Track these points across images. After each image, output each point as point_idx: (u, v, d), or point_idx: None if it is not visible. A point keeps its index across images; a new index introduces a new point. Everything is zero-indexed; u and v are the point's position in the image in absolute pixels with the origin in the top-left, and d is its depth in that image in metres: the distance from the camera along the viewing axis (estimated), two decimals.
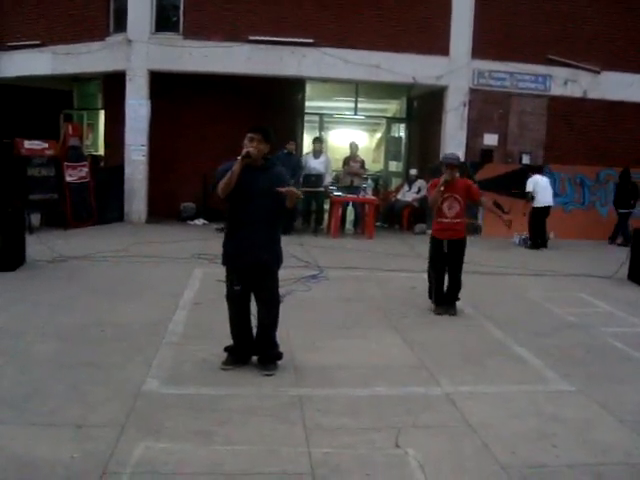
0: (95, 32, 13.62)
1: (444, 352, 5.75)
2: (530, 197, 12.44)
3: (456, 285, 7.24)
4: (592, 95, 14.21)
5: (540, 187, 12.39)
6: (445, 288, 7.23)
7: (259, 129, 4.90)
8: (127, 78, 13.14)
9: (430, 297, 7.34)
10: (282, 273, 8.68)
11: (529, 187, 12.44)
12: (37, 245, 9.43)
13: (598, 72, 14.12)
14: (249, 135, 4.85)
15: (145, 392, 4.52)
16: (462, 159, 13.88)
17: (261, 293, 5.10)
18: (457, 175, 7.13)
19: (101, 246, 10.06)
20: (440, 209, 7.13)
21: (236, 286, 4.96)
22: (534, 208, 12.42)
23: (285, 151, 12.47)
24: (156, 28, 13.32)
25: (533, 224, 12.44)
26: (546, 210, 12.42)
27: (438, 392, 4.79)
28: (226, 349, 5.18)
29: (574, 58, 14.02)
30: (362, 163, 13.86)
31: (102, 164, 14.81)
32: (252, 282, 5.02)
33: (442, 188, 6.96)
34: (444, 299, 7.20)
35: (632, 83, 14.09)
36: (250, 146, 4.79)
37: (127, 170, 13.34)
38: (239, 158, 4.72)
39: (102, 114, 16.17)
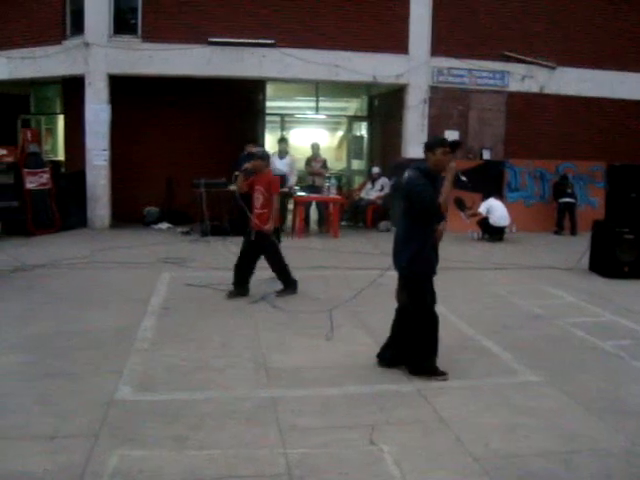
0: (52, 35, 13.38)
1: None
2: (472, 214, 12.62)
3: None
4: (549, 90, 14.52)
5: (494, 210, 12.52)
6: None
7: (451, 143, 4.98)
8: (86, 82, 12.93)
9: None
10: None
11: (482, 209, 12.60)
12: None
13: (554, 68, 14.41)
14: (444, 149, 4.84)
15: (117, 400, 4.48)
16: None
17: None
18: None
19: (65, 253, 9.91)
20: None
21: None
22: (490, 225, 12.58)
23: (246, 153, 12.33)
24: (114, 31, 13.13)
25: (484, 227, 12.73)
26: (500, 229, 12.61)
27: (410, 388, 4.85)
28: (433, 365, 5.08)
29: (530, 54, 14.29)
30: (324, 163, 13.90)
31: (63, 170, 14.58)
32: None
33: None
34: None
35: (586, 79, 14.42)
36: (449, 161, 4.83)
37: (89, 175, 13.13)
38: (449, 176, 4.80)
39: (61, 119, 15.92)
